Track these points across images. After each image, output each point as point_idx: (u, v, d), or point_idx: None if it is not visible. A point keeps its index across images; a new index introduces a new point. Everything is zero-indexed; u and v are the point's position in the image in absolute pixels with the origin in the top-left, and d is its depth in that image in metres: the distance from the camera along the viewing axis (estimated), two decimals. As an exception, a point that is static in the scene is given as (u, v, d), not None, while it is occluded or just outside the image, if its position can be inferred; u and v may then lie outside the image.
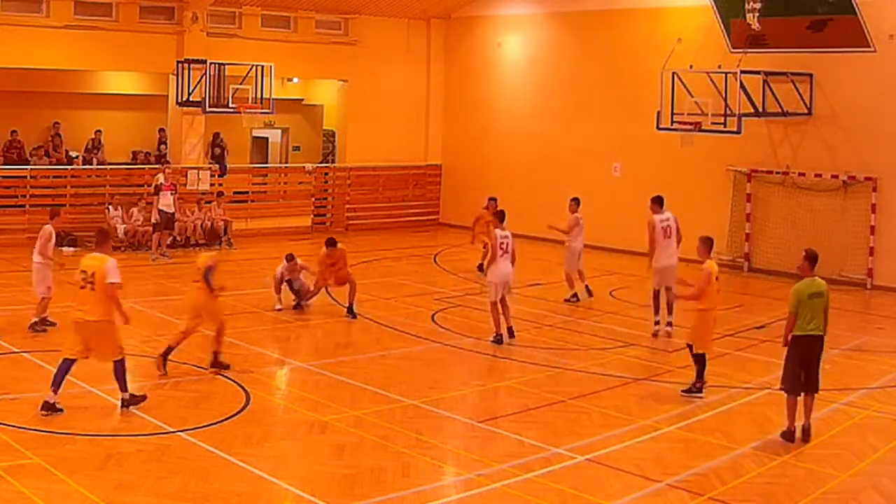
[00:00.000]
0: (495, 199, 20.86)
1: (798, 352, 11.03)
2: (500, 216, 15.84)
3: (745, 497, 9.45)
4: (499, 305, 15.35)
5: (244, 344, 14.69)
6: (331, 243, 17.23)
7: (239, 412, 11.51)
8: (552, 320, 17.07)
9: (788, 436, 11.05)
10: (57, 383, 11.17)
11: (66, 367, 11.25)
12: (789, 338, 11.08)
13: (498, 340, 15.22)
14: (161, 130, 26.52)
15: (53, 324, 15.12)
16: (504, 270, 15.34)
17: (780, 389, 11.27)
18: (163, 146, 26.32)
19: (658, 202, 16.40)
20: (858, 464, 10.49)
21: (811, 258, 11.31)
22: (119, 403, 11.48)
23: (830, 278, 17.10)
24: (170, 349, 13.16)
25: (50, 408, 11.09)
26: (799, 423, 11.09)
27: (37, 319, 15.12)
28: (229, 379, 12.79)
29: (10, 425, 10.56)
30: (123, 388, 11.48)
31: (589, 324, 17.05)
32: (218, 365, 13.30)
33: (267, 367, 13.98)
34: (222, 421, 11.13)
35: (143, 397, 11.67)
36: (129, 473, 9.44)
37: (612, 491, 9.51)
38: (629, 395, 12.84)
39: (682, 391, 12.71)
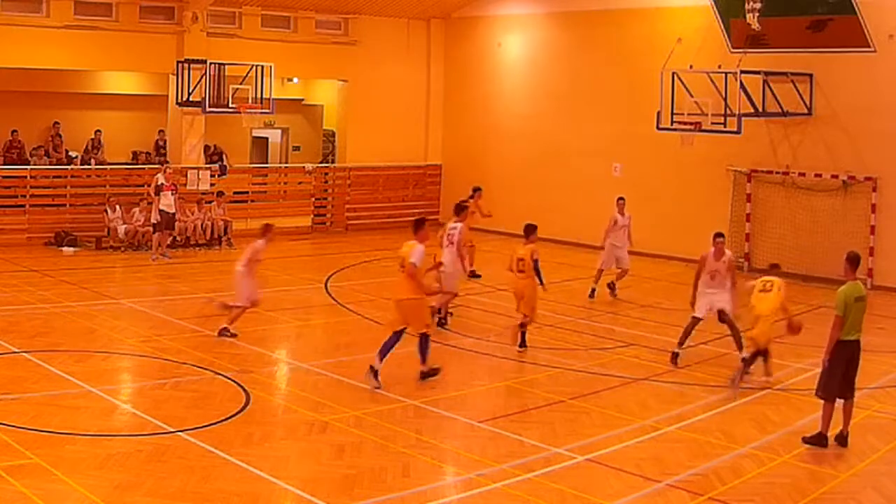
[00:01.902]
0: (480, 189, 21.26)
1: (844, 357, 10.80)
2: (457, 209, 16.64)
3: (745, 497, 9.44)
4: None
5: (244, 344, 14.68)
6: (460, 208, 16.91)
7: (239, 412, 11.50)
8: (552, 320, 17.04)
9: (822, 441, 10.83)
10: (383, 353, 12.63)
11: (394, 339, 12.70)
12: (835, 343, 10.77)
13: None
14: (160, 132, 26.54)
15: (235, 335, 15.00)
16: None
17: (818, 396, 11.00)
18: (161, 147, 26.27)
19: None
20: (858, 464, 10.49)
21: (853, 261, 10.94)
22: (419, 375, 12.85)
23: (830, 278, 17.16)
24: (524, 325, 14.81)
25: (375, 374, 12.54)
26: (821, 430, 10.96)
27: (227, 325, 15.11)
28: (229, 379, 12.79)
29: (10, 425, 10.55)
30: (423, 360, 12.85)
31: (589, 324, 17.05)
32: (525, 343, 14.85)
33: (267, 367, 13.97)
34: (222, 421, 11.12)
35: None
36: (129, 473, 9.43)
37: (612, 491, 9.51)
38: (629, 395, 12.84)
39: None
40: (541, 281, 14.66)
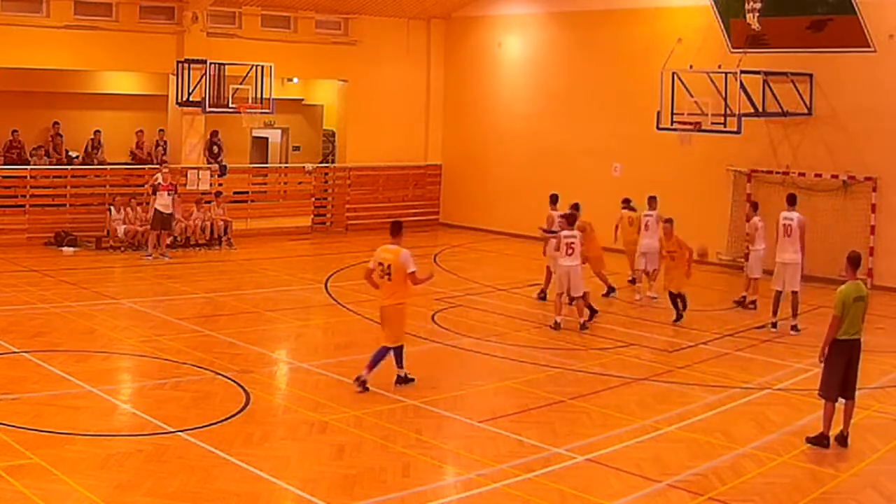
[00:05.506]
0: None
1: (842, 356, 10.79)
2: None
3: (745, 497, 9.44)
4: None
5: (244, 344, 14.68)
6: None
7: (239, 412, 11.49)
8: (552, 320, 17.04)
9: (823, 441, 10.81)
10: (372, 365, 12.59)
11: (382, 353, 12.64)
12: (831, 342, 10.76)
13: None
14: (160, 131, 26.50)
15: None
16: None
17: (819, 395, 11.01)
18: (158, 148, 26.20)
19: (789, 200, 17.35)
20: (858, 464, 10.49)
21: (853, 261, 11.00)
22: (395, 380, 12.74)
23: (831, 278, 17.15)
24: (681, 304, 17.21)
25: (362, 384, 12.42)
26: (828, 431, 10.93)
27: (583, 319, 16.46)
28: (229, 379, 12.79)
29: (10, 425, 10.55)
30: (399, 364, 12.77)
31: (589, 323, 17.02)
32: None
33: (267, 367, 13.97)
34: (222, 421, 11.12)
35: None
36: (129, 473, 9.43)
37: (612, 491, 9.51)
38: (629, 395, 12.84)
39: None
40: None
